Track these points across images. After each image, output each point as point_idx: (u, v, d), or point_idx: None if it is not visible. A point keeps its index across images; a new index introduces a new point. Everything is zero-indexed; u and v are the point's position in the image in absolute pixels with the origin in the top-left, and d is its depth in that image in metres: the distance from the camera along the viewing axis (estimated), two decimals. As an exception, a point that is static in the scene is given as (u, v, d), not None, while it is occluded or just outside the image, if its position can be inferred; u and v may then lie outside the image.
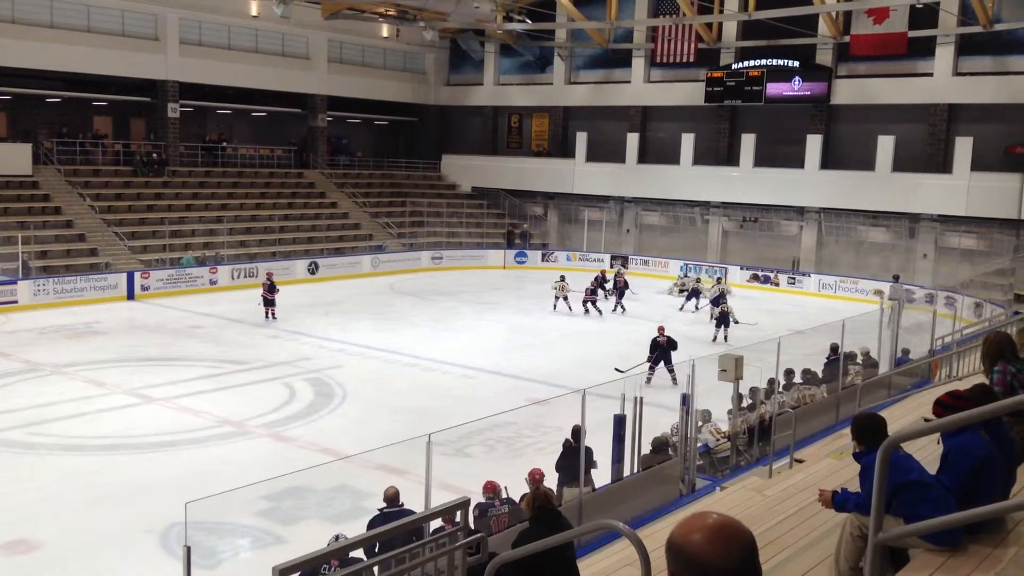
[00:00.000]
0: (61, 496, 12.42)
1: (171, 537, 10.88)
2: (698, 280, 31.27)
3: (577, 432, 11.19)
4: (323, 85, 40.63)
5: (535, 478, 10.47)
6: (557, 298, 27.89)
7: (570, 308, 27.53)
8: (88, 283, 27.45)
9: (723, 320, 24.01)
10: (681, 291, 30.81)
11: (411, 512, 9.49)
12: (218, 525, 11.17)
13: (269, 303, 25.28)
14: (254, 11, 36.68)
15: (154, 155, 35.14)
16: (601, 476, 11.64)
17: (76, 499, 12.35)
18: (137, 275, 28.51)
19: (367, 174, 42.93)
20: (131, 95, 36.28)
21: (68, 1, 32.23)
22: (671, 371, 18.07)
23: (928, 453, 5.85)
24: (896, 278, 29.51)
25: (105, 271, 28.56)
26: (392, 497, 9.61)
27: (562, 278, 28.45)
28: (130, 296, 28.04)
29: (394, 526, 6.29)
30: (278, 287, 25.61)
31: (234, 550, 11.20)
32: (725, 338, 23.54)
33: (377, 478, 12.78)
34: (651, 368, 18.56)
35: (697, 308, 28.02)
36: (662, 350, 18.90)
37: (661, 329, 19.54)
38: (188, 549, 6.77)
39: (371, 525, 8.80)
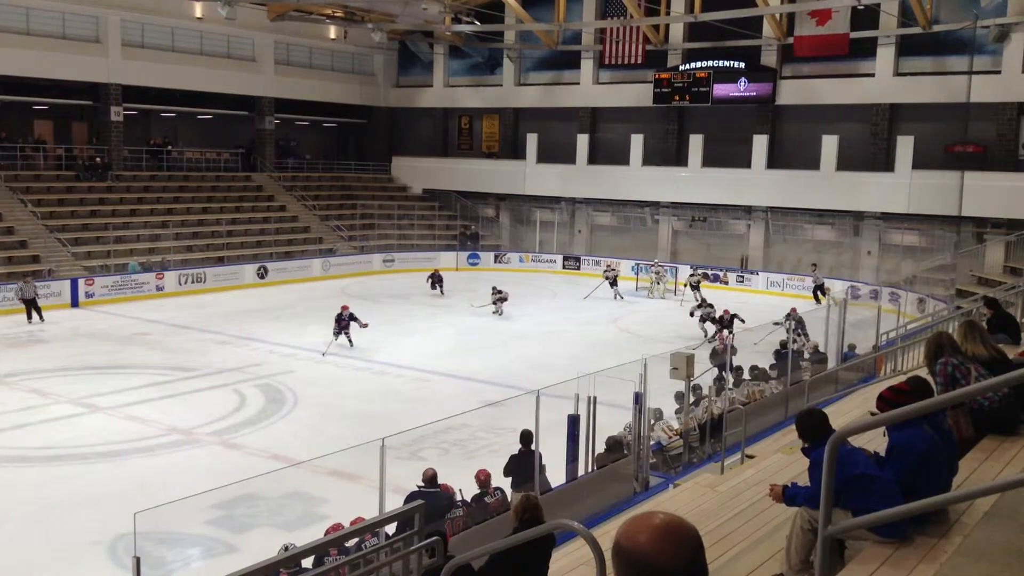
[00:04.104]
0: (4, 509, 12.12)
1: (120, 548, 10.67)
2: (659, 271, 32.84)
3: (526, 437, 11.23)
4: (270, 87, 40.19)
5: (480, 479, 10.54)
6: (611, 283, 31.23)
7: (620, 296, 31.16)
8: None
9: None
10: (658, 282, 32.01)
11: (445, 494, 10.11)
12: (168, 535, 11.00)
13: (344, 329, 22.40)
14: (198, 13, 36.16)
15: (97, 159, 34.44)
16: (556, 475, 11.67)
17: (20, 511, 12.07)
18: (81, 282, 27.93)
19: (316, 177, 42.54)
20: (72, 98, 35.52)
21: (6, 3, 31.42)
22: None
23: (874, 447, 5.96)
24: (814, 267, 32.56)
25: (48, 278, 27.92)
26: (430, 478, 10.13)
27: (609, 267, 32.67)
28: (74, 303, 27.46)
29: (349, 531, 6.25)
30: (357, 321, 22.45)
31: (185, 560, 11.03)
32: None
33: (330, 484, 12.71)
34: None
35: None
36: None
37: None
38: (138, 560, 6.66)
39: (407, 501, 8.95)
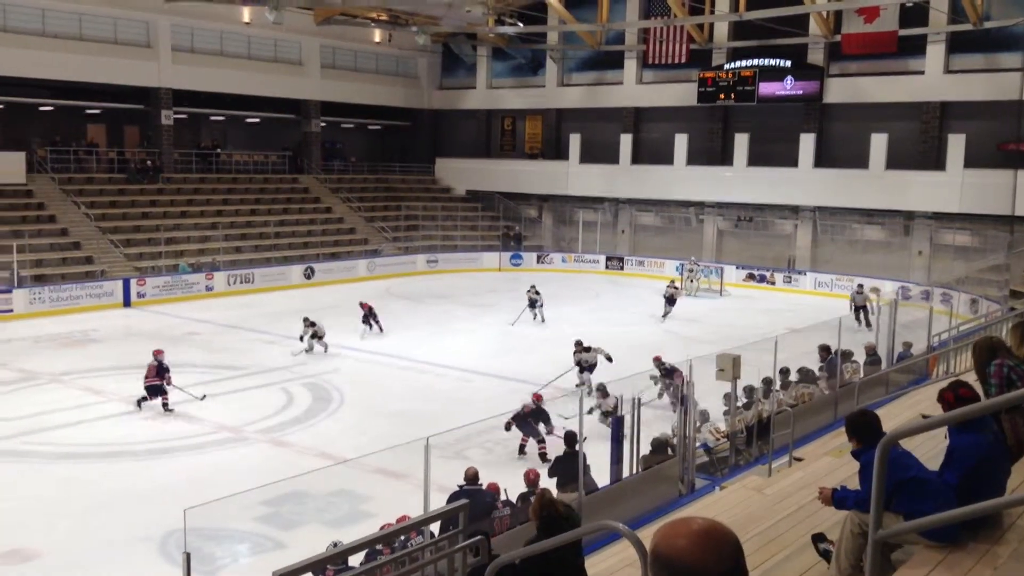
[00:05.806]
0: (59, 504, 12.39)
1: (170, 544, 10.86)
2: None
3: (570, 438, 11.23)
4: (316, 91, 40.60)
5: (530, 478, 10.55)
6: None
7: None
8: (84, 291, 27.40)
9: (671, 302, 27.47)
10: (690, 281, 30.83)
11: (489, 492, 10.28)
12: (217, 531, 11.15)
13: (156, 392, 16.69)
14: (246, 17, 36.63)
15: (148, 162, 35.08)
16: (600, 477, 11.64)
17: (74, 507, 12.33)
18: (133, 282, 28.47)
19: (361, 179, 42.90)
20: (124, 103, 36.19)
21: (60, 9, 32.15)
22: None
23: (927, 450, 5.87)
24: (860, 287, 27.65)
25: (101, 279, 28.51)
26: (472, 476, 10.26)
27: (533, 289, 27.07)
28: (126, 303, 28.00)
29: (393, 530, 6.30)
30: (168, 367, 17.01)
31: (233, 556, 11.19)
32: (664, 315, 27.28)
33: (375, 482, 12.81)
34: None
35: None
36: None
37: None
38: (187, 556, 6.77)
39: (450, 500, 9.28)
